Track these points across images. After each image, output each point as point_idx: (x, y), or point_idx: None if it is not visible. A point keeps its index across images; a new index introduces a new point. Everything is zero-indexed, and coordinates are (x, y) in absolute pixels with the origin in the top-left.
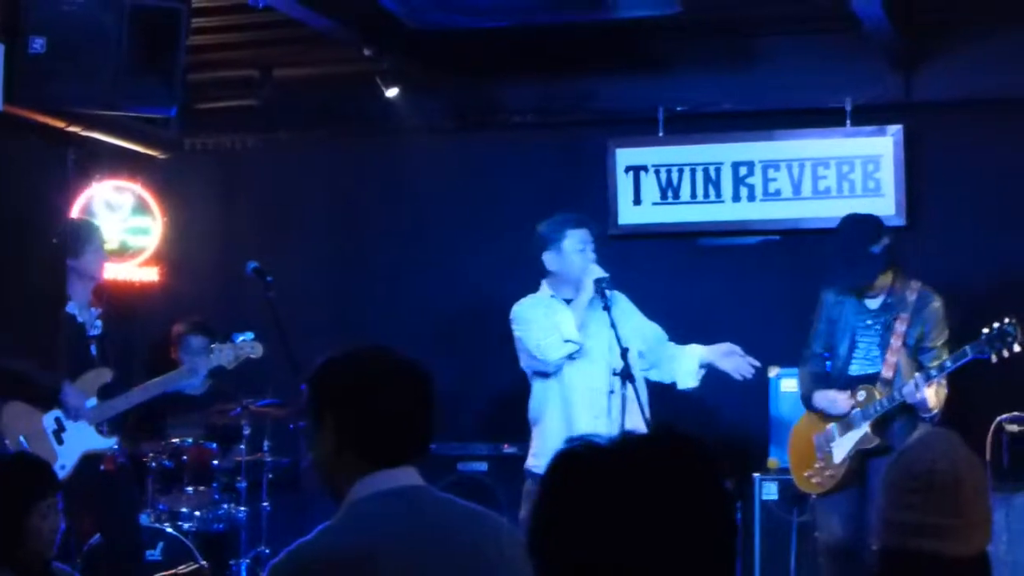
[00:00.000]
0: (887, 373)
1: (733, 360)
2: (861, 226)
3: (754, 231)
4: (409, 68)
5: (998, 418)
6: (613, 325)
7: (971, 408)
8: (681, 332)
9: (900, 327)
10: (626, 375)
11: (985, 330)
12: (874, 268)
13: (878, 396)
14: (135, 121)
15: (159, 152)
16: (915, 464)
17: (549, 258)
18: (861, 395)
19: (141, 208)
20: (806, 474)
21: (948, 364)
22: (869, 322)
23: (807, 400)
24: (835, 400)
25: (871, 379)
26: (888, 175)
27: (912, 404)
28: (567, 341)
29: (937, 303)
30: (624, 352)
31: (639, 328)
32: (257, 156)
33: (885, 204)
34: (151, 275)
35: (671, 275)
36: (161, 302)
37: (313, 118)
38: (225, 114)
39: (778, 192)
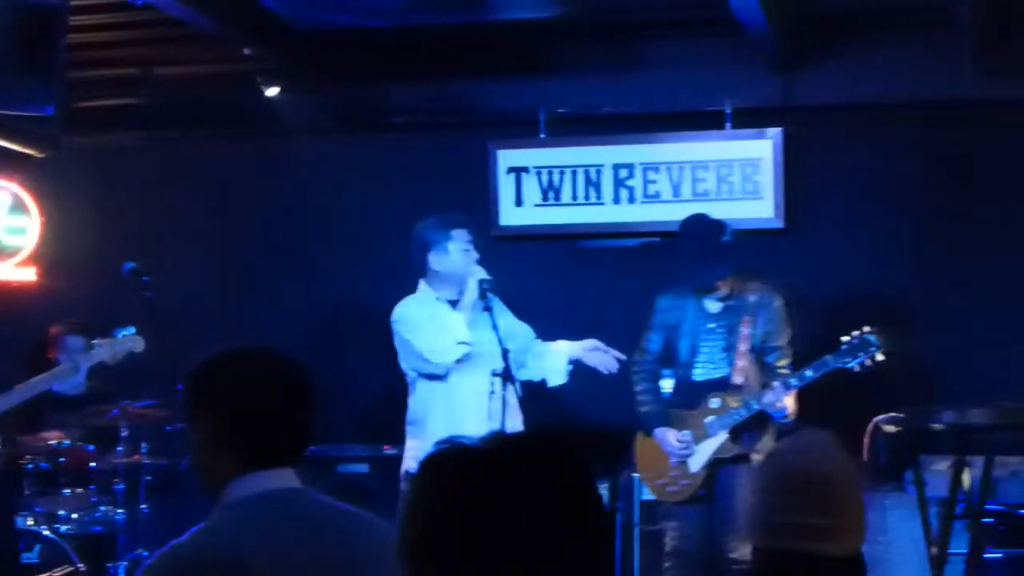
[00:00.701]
0: (737, 379)
1: (598, 355)
2: (708, 224)
3: (634, 233)
4: (290, 68)
5: (875, 419)
6: (495, 326)
7: (848, 409)
8: (562, 332)
9: (745, 330)
10: (507, 376)
11: (844, 339)
12: (727, 263)
13: (733, 405)
14: (12, 119)
15: (37, 150)
16: (788, 466)
17: (434, 259)
18: (715, 403)
19: (18, 207)
20: (660, 482)
21: (809, 374)
22: (711, 326)
23: (645, 425)
24: (665, 441)
25: (718, 384)
26: (767, 178)
27: (770, 413)
28: (461, 343)
29: (778, 302)
30: (505, 353)
31: (510, 328)
32: (137, 155)
33: (764, 207)
34: (28, 275)
35: (552, 276)
36: (39, 302)
37: (194, 117)
38: (105, 113)
39: (658, 194)
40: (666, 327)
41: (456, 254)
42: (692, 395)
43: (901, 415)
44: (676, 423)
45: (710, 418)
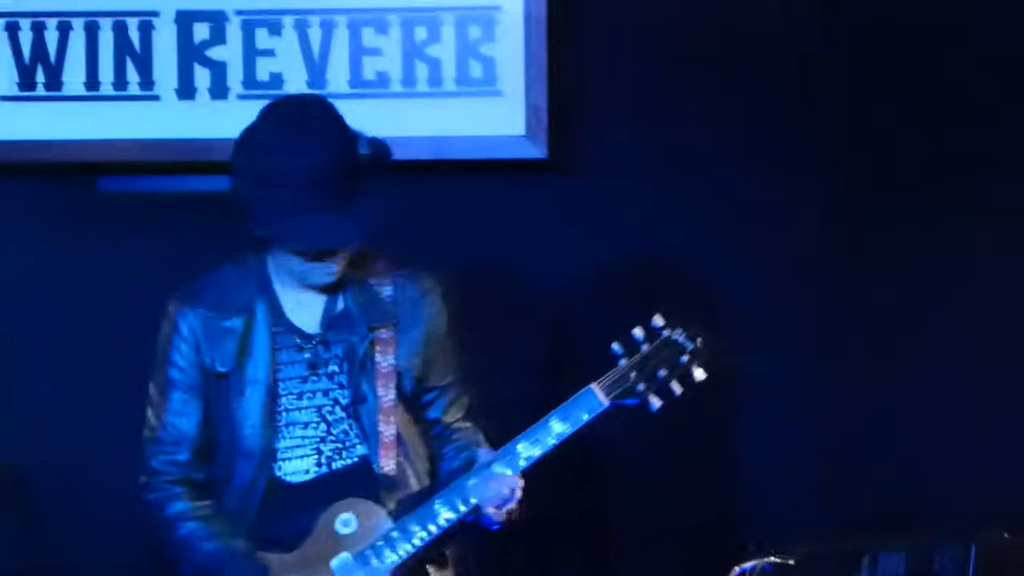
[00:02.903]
0: (387, 463)
1: None
2: (321, 116)
3: (225, 163)
4: None
5: (736, 569)
6: None
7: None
8: (65, 353)
9: (386, 359)
10: None
11: (616, 347)
12: (366, 208)
13: (388, 520)
14: None
15: None
16: None
17: None
18: (345, 525)
19: None
20: None
21: (557, 428)
22: (307, 356)
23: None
24: None
25: (342, 484)
26: (513, 51)
27: (483, 521)
28: None
29: (437, 298)
30: None
31: None
32: None
33: (504, 116)
34: None
35: (43, 248)
36: None
37: None
38: None
39: (278, 79)
40: (203, 377)
41: None
42: (286, 514)
43: (787, 559)
44: None
45: (342, 558)
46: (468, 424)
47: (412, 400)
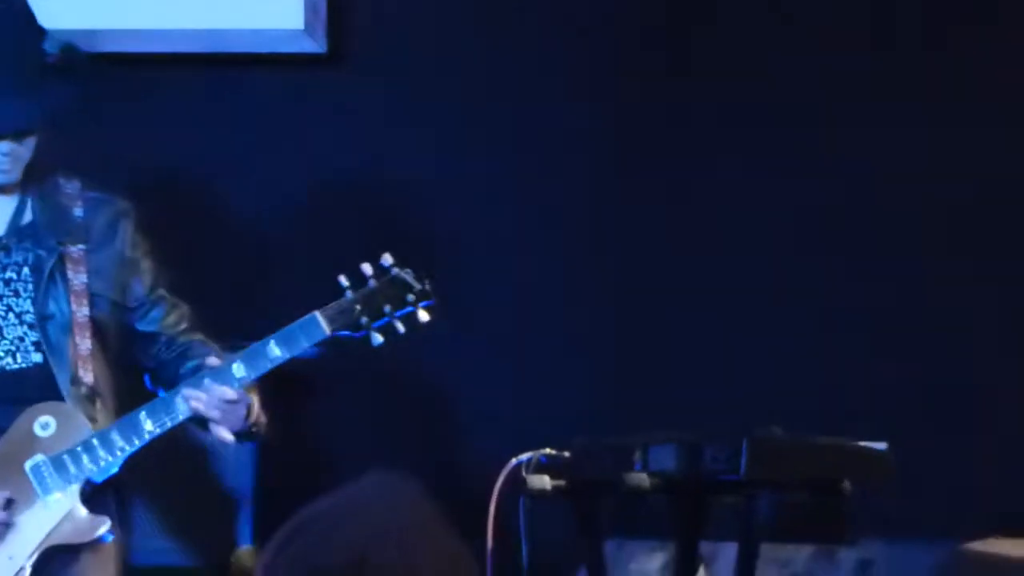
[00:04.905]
0: (86, 374)
1: None
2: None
3: None
4: None
5: (513, 460)
6: None
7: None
8: None
9: (77, 277)
10: None
11: (343, 279)
12: (30, 109)
13: (88, 427)
14: None
15: None
16: (328, 553)
17: None
18: (44, 427)
19: None
20: None
21: (276, 351)
22: None
23: None
24: None
25: (14, 385)
26: None
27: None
28: None
29: (129, 223)
30: None
31: None
32: None
33: (282, 9)
34: None
35: None
36: None
37: None
38: None
39: None
40: None
41: None
42: None
43: (562, 452)
44: None
45: (37, 460)
46: (198, 336)
47: (117, 320)
